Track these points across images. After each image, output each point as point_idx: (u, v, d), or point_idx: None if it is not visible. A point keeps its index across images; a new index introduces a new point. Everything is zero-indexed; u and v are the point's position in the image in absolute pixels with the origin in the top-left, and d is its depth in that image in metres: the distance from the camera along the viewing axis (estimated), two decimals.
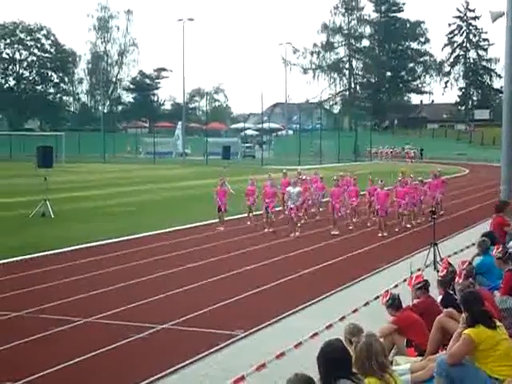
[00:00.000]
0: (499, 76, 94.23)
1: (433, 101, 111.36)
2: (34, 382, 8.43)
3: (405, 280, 12.78)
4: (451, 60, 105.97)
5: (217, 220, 22.25)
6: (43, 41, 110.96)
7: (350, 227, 21.66)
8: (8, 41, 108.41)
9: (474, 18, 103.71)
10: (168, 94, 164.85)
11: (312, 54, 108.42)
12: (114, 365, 9.13)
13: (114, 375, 8.78)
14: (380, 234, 20.16)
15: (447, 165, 56.78)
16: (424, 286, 9.04)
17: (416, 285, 9.04)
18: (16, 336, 10.12)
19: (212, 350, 9.52)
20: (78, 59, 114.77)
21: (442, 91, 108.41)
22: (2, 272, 14.86)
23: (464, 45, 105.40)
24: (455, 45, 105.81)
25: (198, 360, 9.18)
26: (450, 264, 9.71)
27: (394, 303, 8.67)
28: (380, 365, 5.58)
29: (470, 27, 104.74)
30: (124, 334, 10.24)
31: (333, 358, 5.40)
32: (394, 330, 8.39)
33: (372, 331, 6.03)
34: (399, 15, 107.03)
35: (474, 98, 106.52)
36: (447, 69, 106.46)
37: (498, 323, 6.95)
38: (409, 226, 21.87)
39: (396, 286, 13.07)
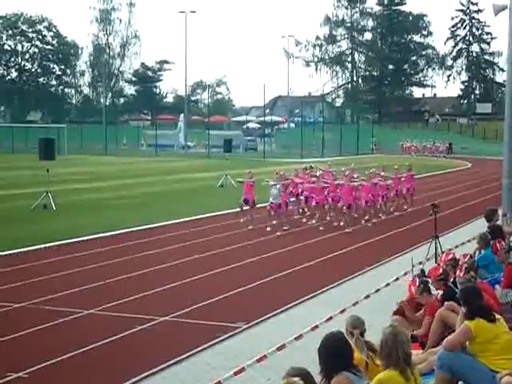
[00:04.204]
0: (502, 70, 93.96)
1: (435, 94, 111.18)
2: (36, 372, 8.47)
3: (405, 273, 12.85)
4: (454, 53, 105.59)
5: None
6: (45, 33, 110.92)
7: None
8: (10, 32, 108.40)
9: (477, 12, 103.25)
10: (170, 86, 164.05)
11: (314, 46, 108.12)
12: (119, 355, 9.18)
13: (119, 365, 8.83)
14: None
15: (453, 159, 56.52)
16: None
17: (437, 277, 9.04)
18: (19, 327, 10.16)
19: (214, 342, 9.55)
20: (79, 51, 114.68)
21: (444, 85, 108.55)
22: (1, 264, 14.89)
23: (467, 38, 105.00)
24: (458, 38, 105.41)
25: (200, 351, 9.22)
26: (452, 258, 9.68)
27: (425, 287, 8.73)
28: (406, 355, 5.48)
29: (473, 20, 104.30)
30: (127, 325, 10.28)
31: (334, 350, 5.41)
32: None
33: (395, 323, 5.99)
34: (402, 8, 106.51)
35: (477, 92, 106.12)
36: (450, 62, 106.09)
37: (498, 316, 6.97)
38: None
39: (397, 279, 13.12)
